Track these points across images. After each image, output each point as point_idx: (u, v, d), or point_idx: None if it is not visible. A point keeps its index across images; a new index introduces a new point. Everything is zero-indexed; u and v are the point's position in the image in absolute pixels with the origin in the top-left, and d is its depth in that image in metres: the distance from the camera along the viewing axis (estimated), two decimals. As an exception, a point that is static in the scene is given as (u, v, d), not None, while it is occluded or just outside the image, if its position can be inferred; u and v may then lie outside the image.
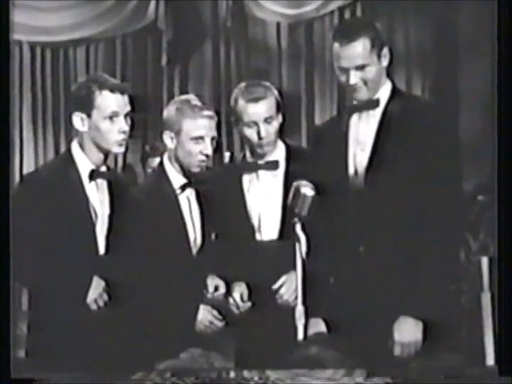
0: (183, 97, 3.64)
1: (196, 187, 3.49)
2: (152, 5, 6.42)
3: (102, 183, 3.40)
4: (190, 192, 3.49)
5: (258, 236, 3.49)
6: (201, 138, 3.43)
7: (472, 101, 5.60)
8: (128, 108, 3.38)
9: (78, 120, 3.35)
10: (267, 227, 3.47)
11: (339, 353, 3.01)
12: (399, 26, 6.30)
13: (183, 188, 3.47)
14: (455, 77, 5.95)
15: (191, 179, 3.49)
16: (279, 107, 3.53)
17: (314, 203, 2.92)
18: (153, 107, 6.64)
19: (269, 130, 3.46)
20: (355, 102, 3.33)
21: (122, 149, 3.39)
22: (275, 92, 3.55)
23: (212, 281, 3.45)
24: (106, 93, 3.35)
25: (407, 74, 6.19)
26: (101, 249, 3.35)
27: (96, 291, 3.31)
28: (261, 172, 3.49)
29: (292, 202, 2.95)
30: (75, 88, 3.45)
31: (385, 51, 3.27)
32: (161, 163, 3.56)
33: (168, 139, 3.48)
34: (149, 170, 5.00)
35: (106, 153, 3.39)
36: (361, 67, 3.23)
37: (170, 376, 2.85)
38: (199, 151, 3.43)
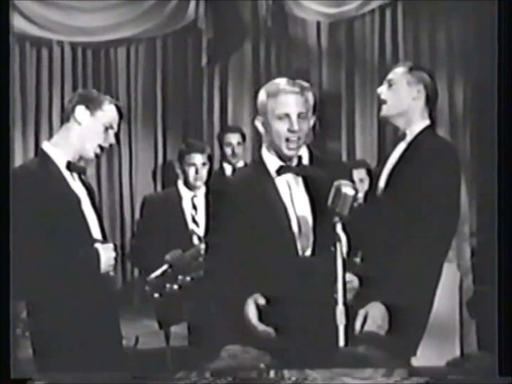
0: (273, 81, 3.36)
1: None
2: (192, 5, 6.43)
3: None
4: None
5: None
6: (287, 115, 3.22)
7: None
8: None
9: (82, 110, 3.50)
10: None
11: (385, 353, 2.97)
12: (440, 25, 6.27)
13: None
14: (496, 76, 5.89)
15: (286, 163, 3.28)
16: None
17: (355, 203, 2.91)
18: (193, 107, 6.68)
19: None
20: None
21: (93, 157, 3.55)
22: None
23: None
24: (111, 107, 3.55)
25: (449, 73, 6.17)
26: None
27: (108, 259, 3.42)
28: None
29: (333, 201, 2.93)
30: (82, 93, 3.62)
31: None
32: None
33: (259, 124, 3.29)
34: (187, 167, 4.90)
35: (81, 155, 3.53)
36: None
37: (209, 376, 2.85)
38: (287, 129, 3.21)
